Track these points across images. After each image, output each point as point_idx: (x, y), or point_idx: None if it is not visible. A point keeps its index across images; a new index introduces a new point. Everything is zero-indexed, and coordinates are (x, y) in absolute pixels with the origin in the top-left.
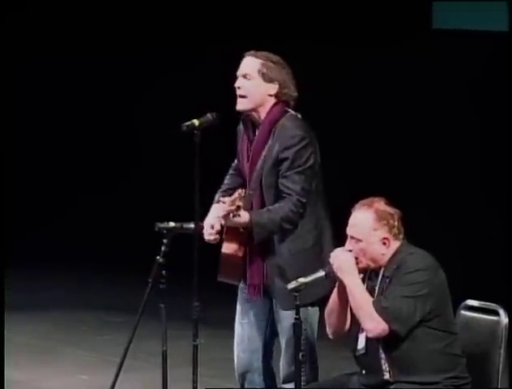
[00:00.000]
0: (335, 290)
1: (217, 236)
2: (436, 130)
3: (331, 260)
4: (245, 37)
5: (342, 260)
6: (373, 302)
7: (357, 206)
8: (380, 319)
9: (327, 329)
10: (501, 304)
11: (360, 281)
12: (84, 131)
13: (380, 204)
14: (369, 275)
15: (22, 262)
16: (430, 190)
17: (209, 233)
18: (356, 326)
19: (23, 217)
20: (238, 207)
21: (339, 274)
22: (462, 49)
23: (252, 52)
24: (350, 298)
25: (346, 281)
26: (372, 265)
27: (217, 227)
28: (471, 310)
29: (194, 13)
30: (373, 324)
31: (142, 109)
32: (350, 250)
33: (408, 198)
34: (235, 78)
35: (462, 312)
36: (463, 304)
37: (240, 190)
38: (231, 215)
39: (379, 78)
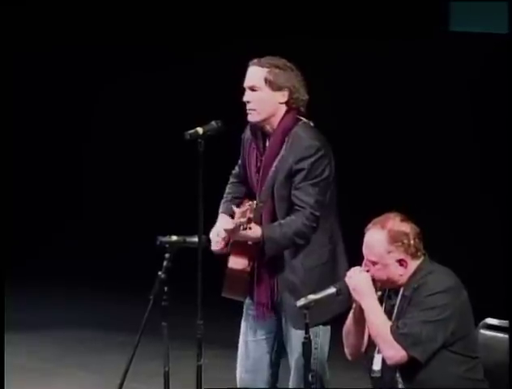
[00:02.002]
0: (352, 311)
1: (223, 244)
2: (448, 134)
3: (347, 280)
4: (248, 37)
5: (358, 281)
6: (391, 327)
7: (370, 225)
8: (398, 347)
9: (345, 350)
10: None
11: (377, 303)
12: (80, 141)
13: (394, 223)
14: (388, 293)
15: (19, 279)
16: (441, 197)
17: (216, 242)
18: (373, 345)
19: (21, 234)
20: (249, 220)
21: (355, 296)
22: (476, 51)
23: (255, 60)
24: (367, 322)
25: (363, 304)
26: (389, 285)
27: (222, 235)
28: (491, 329)
29: (193, 12)
30: (392, 352)
31: (143, 114)
32: (367, 271)
33: (418, 207)
34: (243, 89)
35: (482, 331)
36: (482, 322)
37: (250, 202)
38: (241, 227)
39: (388, 79)
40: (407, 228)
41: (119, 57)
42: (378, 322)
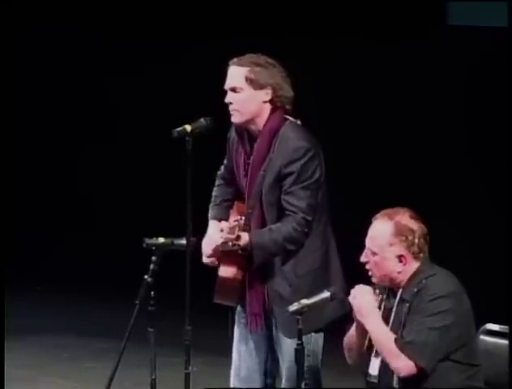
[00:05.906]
0: (354, 328)
1: (215, 259)
2: (449, 129)
3: (350, 300)
4: (241, 33)
5: (362, 303)
6: (396, 340)
7: (379, 215)
8: (405, 357)
9: (347, 358)
10: None
11: (381, 321)
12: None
13: (403, 217)
14: (386, 294)
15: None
16: (441, 201)
17: (207, 255)
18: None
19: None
20: (238, 237)
21: (358, 316)
22: (476, 46)
23: (235, 60)
24: (373, 340)
25: (367, 325)
26: (387, 282)
27: (210, 251)
28: (492, 335)
29: (181, 9)
30: (401, 364)
31: (130, 113)
32: (367, 262)
33: (418, 210)
34: (224, 91)
35: (482, 337)
36: (483, 328)
37: (239, 217)
38: (230, 243)
39: (388, 80)
40: (414, 225)
41: (108, 54)
42: (383, 338)
